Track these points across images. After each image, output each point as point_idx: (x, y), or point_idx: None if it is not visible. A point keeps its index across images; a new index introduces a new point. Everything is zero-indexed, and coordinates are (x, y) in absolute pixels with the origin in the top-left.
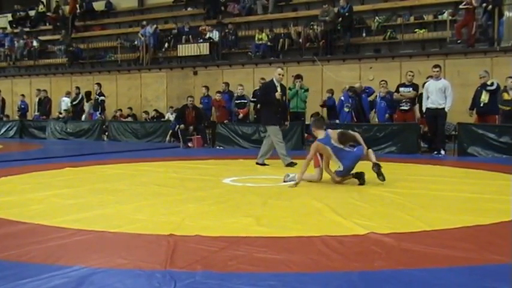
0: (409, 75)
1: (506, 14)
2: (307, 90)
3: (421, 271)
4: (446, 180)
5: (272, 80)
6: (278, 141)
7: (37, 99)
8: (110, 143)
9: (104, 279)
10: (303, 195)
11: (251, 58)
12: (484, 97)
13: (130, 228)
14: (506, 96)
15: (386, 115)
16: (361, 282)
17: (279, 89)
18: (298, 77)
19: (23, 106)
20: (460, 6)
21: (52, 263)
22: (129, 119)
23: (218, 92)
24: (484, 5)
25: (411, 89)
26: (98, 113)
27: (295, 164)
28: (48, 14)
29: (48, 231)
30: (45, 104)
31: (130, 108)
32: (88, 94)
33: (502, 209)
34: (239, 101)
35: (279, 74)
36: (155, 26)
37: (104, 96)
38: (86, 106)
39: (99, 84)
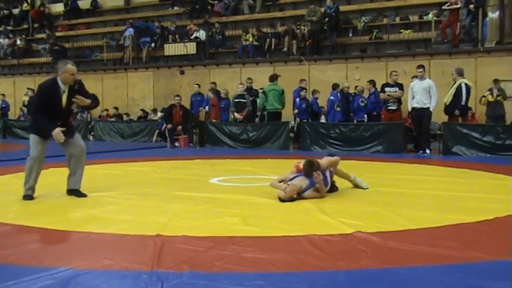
0: (394, 75)
1: (490, 15)
2: (270, 90)
3: (407, 269)
4: (432, 179)
5: (55, 80)
6: (30, 157)
7: (26, 99)
8: (95, 143)
9: (89, 280)
10: None
11: (238, 58)
12: (448, 98)
13: (116, 228)
14: (490, 98)
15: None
16: (347, 281)
17: (64, 97)
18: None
19: (3, 105)
20: (444, 7)
21: (37, 264)
22: (114, 118)
23: (210, 90)
24: (471, 6)
25: (397, 88)
26: (81, 113)
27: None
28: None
29: (33, 233)
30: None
31: (117, 108)
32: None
33: (486, 208)
34: (238, 100)
35: (69, 73)
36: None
37: None
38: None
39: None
